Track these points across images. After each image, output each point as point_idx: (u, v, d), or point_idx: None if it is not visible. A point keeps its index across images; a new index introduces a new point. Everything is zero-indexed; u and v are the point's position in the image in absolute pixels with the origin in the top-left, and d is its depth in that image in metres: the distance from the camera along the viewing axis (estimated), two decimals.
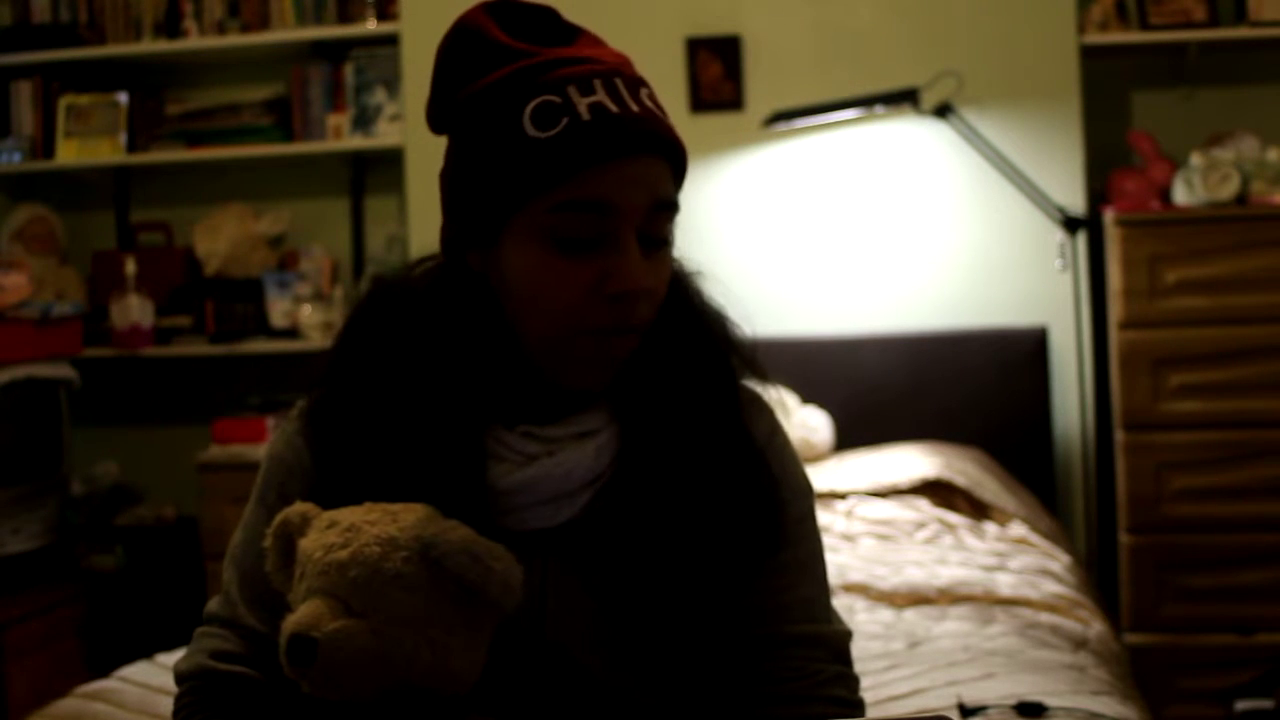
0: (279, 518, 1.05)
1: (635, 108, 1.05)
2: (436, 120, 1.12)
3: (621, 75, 1.07)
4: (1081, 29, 3.37)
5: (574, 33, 1.12)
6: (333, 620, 0.97)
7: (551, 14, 1.13)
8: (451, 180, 1.11)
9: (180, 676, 1.14)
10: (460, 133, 1.10)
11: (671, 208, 1.09)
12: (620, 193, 1.04)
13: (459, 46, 1.09)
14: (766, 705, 1.12)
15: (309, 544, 1.02)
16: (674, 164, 1.09)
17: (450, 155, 1.11)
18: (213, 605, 1.18)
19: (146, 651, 2.13)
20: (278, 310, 3.82)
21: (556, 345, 1.08)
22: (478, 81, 1.07)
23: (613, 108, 1.04)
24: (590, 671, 1.11)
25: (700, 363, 1.16)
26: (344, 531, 1.01)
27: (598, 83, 1.05)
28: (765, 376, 1.22)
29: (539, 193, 1.04)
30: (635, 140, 1.04)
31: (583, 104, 1.04)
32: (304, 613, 0.98)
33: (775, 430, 1.21)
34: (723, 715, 1.13)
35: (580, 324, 1.06)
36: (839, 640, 1.18)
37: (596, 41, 1.12)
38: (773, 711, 1.12)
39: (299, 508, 1.05)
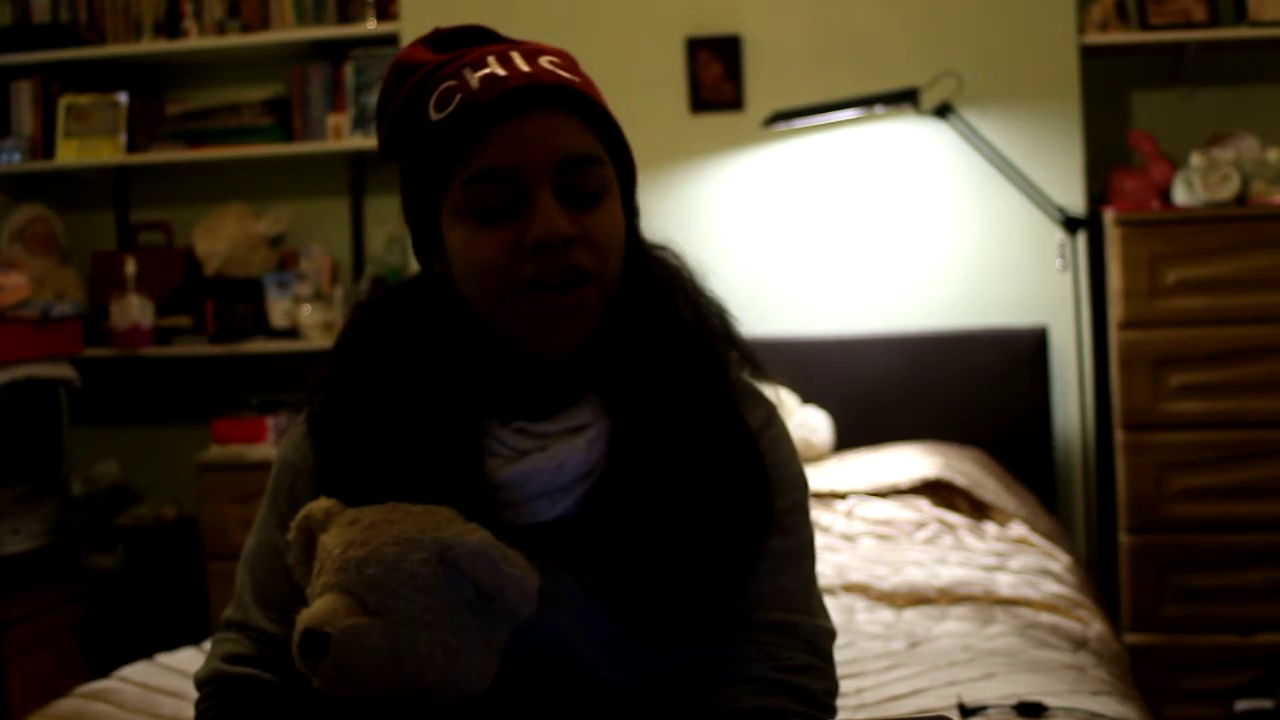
0: (302, 512, 1.07)
1: (527, 68, 1.07)
2: (382, 148, 1.15)
3: (522, 49, 1.10)
4: (1081, 29, 3.37)
5: (511, 43, 1.14)
6: (347, 617, 0.98)
7: (484, 32, 1.15)
8: (401, 194, 1.16)
9: (198, 683, 1.17)
10: (397, 150, 1.14)
11: (586, 160, 1.08)
12: (519, 153, 1.06)
13: (392, 78, 1.13)
14: (727, 686, 1.11)
15: (329, 540, 1.03)
16: (584, 116, 1.09)
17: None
18: (228, 611, 1.21)
19: (146, 651, 2.13)
20: (278, 310, 3.82)
21: (503, 314, 1.09)
22: (401, 97, 1.11)
23: (501, 73, 1.06)
24: (587, 663, 1.12)
25: (689, 352, 1.16)
26: (364, 529, 1.02)
27: (491, 58, 1.08)
28: (762, 369, 1.23)
29: (449, 171, 1.08)
30: (524, 97, 1.06)
31: (474, 78, 1.06)
32: (319, 608, 0.99)
33: (770, 422, 1.21)
34: (685, 697, 1.12)
35: (512, 281, 1.07)
36: (815, 633, 1.16)
37: (538, 49, 1.13)
38: (732, 693, 1.11)
39: (323, 503, 1.06)
